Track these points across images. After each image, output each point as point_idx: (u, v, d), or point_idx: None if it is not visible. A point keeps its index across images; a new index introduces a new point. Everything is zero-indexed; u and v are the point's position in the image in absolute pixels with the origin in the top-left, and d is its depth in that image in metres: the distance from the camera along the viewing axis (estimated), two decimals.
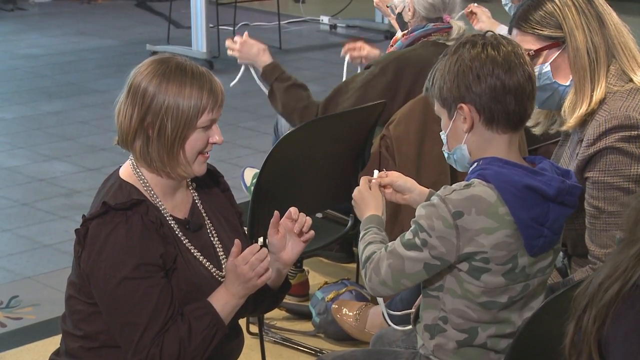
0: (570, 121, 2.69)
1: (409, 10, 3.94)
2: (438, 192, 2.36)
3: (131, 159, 2.56)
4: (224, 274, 2.57)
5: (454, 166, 2.49)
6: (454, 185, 2.35)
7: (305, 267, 4.26)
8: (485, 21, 4.48)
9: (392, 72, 3.86)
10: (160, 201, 2.53)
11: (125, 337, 2.44)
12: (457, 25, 3.92)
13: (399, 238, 2.39)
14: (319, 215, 4.16)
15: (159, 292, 2.43)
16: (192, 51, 8.33)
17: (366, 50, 4.42)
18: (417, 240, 2.33)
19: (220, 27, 8.94)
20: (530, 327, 2.26)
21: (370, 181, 2.62)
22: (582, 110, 2.67)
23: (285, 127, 4.38)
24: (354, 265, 4.39)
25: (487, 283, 2.35)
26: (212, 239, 2.62)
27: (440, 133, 2.46)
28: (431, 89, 2.43)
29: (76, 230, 2.48)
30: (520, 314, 2.42)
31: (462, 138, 2.40)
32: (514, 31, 2.78)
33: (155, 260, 2.43)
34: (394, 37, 4.08)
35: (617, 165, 2.61)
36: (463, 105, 2.36)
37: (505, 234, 2.31)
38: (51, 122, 6.76)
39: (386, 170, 2.71)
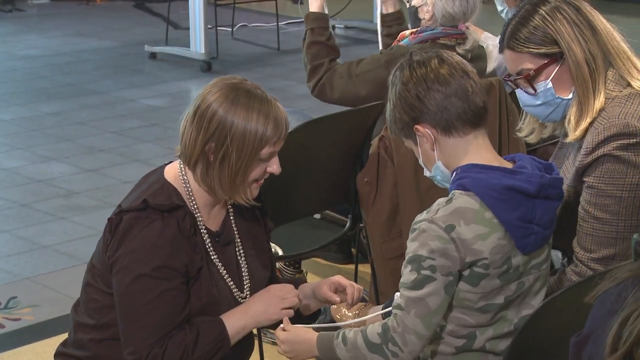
0: (576, 133, 2.66)
1: (428, 11, 3.89)
2: (422, 217, 2.33)
3: (180, 163, 2.54)
4: (244, 295, 2.58)
5: (445, 187, 2.46)
6: (435, 206, 2.33)
7: (303, 268, 4.25)
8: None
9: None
10: (198, 211, 2.52)
11: (128, 332, 2.44)
12: (472, 37, 3.88)
13: (400, 289, 2.35)
14: (317, 215, 4.16)
15: (173, 297, 2.42)
16: (190, 52, 8.33)
17: None
18: (425, 272, 2.30)
19: (218, 28, 8.94)
20: (529, 326, 2.25)
21: (283, 328, 2.53)
22: (587, 121, 2.64)
23: None
24: (352, 266, 4.38)
25: (484, 287, 2.34)
26: (239, 257, 2.62)
27: (420, 162, 2.47)
28: (391, 127, 2.45)
29: (109, 219, 2.47)
30: (517, 311, 2.42)
31: (433, 157, 2.42)
32: (507, 52, 2.69)
33: (179, 267, 2.43)
34: (401, 33, 4.05)
35: (613, 174, 2.59)
36: (417, 126, 2.38)
37: (497, 237, 2.31)
38: (50, 123, 6.76)
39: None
